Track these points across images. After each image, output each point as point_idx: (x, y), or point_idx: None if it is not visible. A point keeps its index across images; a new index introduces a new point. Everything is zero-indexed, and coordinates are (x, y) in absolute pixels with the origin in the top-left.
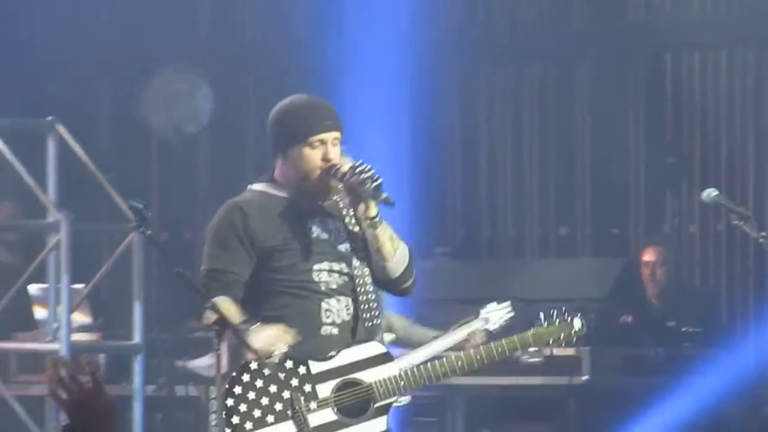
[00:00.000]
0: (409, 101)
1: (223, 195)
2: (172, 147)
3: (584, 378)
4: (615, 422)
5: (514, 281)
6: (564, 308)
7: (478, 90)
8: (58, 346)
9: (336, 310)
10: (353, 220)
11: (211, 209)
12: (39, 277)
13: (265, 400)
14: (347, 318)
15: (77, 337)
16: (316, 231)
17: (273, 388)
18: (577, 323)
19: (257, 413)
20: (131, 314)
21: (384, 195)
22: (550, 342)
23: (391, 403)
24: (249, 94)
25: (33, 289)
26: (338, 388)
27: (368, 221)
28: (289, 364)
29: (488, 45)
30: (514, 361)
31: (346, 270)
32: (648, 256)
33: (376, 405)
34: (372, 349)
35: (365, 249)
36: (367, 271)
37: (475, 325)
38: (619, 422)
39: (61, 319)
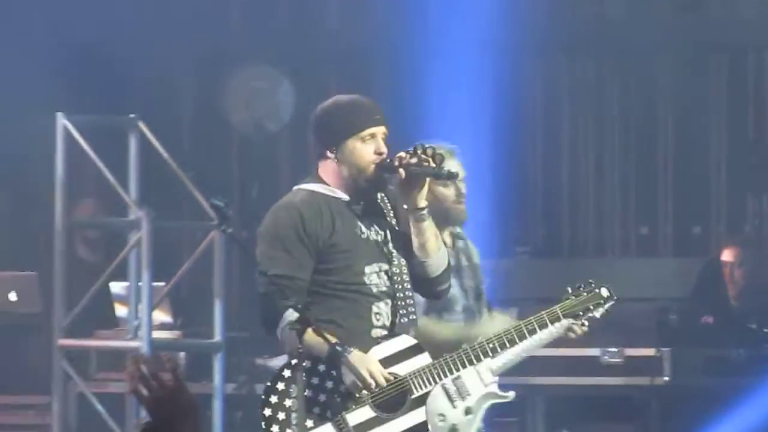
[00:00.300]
0: (490, 99)
1: None
2: (253, 144)
3: (665, 379)
4: (696, 423)
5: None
6: (590, 280)
7: (560, 88)
8: (139, 344)
9: (385, 313)
10: (396, 217)
11: None
12: (120, 274)
13: (301, 405)
14: (392, 319)
15: (158, 335)
16: (365, 231)
17: (309, 393)
18: (605, 291)
19: (294, 418)
20: (212, 312)
21: (446, 169)
22: (581, 314)
23: (428, 393)
24: (330, 91)
25: (114, 286)
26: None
27: (417, 213)
28: (321, 367)
29: (571, 40)
30: (594, 362)
31: (389, 270)
32: (726, 257)
33: (412, 397)
34: (403, 342)
35: (406, 248)
36: (405, 269)
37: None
38: (701, 423)
39: (142, 317)
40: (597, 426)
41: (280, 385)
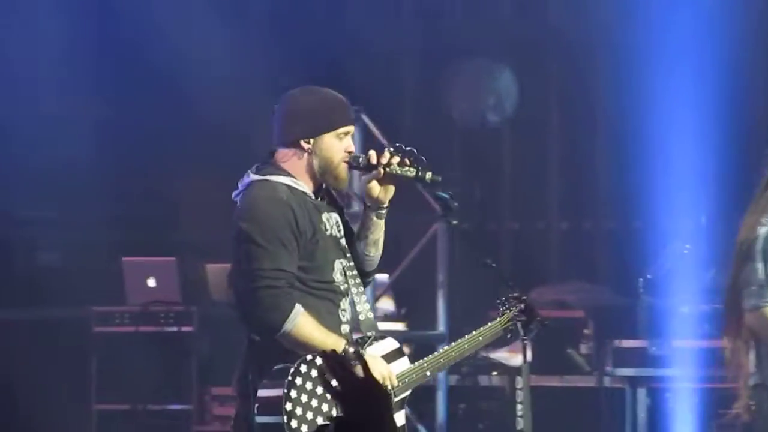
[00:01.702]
0: (713, 98)
1: (526, 185)
2: (475, 136)
3: None
4: None
5: None
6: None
7: None
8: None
9: (348, 309)
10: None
11: (518, 200)
12: None
13: (315, 402)
14: (351, 314)
15: (382, 326)
16: (329, 228)
17: (321, 390)
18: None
19: (309, 415)
20: (435, 303)
21: (429, 175)
22: (508, 336)
23: (406, 398)
24: (551, 84)
25: None
26: None
27: (380, 210)
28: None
29: None
30: None
31: (345, 265)
32: None
33: (395, 400)
34: (389, 344)
35: (351, 242)
36: (354, 264)
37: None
38: None
39: None
40: None
41: (298, 380)
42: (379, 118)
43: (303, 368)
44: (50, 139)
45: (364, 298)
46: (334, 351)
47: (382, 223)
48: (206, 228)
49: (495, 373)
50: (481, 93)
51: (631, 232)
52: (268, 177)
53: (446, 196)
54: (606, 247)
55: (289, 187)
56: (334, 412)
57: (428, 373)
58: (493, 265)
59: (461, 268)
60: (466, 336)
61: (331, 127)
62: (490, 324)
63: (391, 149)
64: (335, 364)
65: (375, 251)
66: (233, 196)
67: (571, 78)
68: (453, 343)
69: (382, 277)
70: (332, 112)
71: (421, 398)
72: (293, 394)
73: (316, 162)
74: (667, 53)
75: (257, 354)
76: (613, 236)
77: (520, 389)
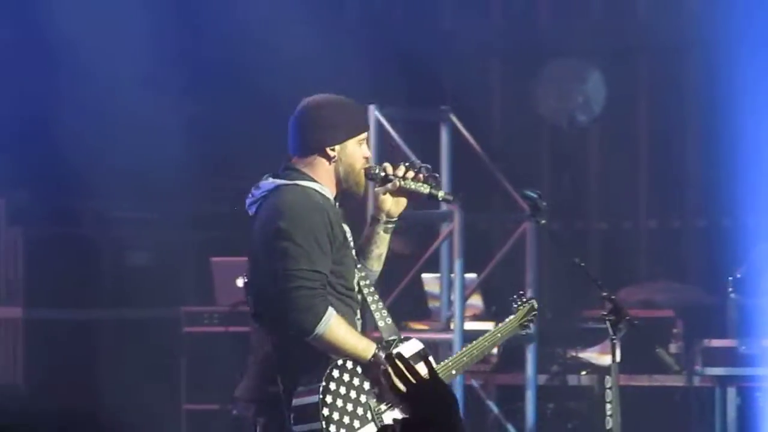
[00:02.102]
0: None
1: (614, 184)
2: (563, 136)
3: None
4: None
5: None
6: (521, 292)
7: None
8: (452, 336)
9: (361, 319)
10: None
11: (607, 199)
12: (432, 266)
13: (349, 406)
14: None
15: (470, 325)
16: (348, 235)
17: (353, 394)
18: (535, 304)
19: (346, 419)
20: None
21: (442, 193)
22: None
23: None
24: (640, 82)
25: (427, 278)
26: None
27: (389, 224)
28: (359, 368)
29: None
30: None
31: (360, 275)
32: None
33: None
34: (414, 346)
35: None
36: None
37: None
38: None
39: (455, 308)
40: None
41: (332, 386)
42: (468, 118)
43: (335, 373)
44: (139, 138)
45: (380, 305)
46: (399, 353)
47: (388, 237)
48: None
49: (584, 372)
50: (569, 92)
51: (720, 231)
52: (297, 182)
53: (535, 195)
54: (695, 246)
55: (323, 195)
56: (369, 416)
57: (453, 372)
58: (582, 264)
59: (550, 267)
60: (486, 334)
61: (355, 133)
62: (507, 320)
63: (407, 164)
64: (401, 365)
65: (378, 266)
66: (248, 203)
67: (661, 76)
68: (474, 342)
69: (471, 276)
70: (355, 118)
71: (510, 398)
72: (329, 399)
73: (341, 168)
74: (759, 50)
75: (284, 360)
76: (702, 235)
77: (609, 389)
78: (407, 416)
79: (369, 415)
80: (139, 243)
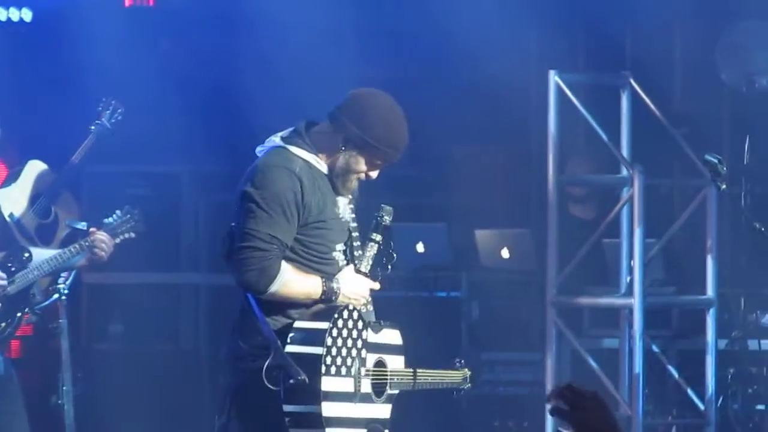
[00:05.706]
0: None
1: None
2: (745, 100)
3: None
4: None
5: None
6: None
7: None
8: (632, 301)
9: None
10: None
11: None
12: (612, 231)
13: (344, 351)
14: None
15: (650, 291)
16: (341, 211)
17: (349, 342)
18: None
19: (338, 360)
20: (704, 268)
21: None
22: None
23: (394, 395)
24: None
25: (607, 243)
26: (375, 364)
27: None
28: (360, 324)
29: None
30: None
31: (346, 250)
32: None
33: (388, 392)
34: (395, 337)
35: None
36: (364, 251)
37: None
38: None
39: (635, 274)
40: None
41: (340, 323)
42: (649, 84)
43: (345, 314)
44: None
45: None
46: (571, 385)
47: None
48: (476, 193)
49: (764, 338)
50: (750, 56)
51: None
52: (289, 146)
53: (716, 160)
54: None
55: (309, 164)
56: (353, 371)
57: (411, 386)
58: (762, 229)
59: (731, 232)
60: (435, 372)
61: (378, 157)
62: (452, 372)
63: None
64: (572, 396)
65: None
66: (257, 152)
67: None
68: (424, 370)
69: (651, 242)
70: (391, 149)
71: (690, 364)
72: (335, 332)
73: (341, 161)
74: None
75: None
76: None
77: None
78: None
79: (353, 371)
80: None
